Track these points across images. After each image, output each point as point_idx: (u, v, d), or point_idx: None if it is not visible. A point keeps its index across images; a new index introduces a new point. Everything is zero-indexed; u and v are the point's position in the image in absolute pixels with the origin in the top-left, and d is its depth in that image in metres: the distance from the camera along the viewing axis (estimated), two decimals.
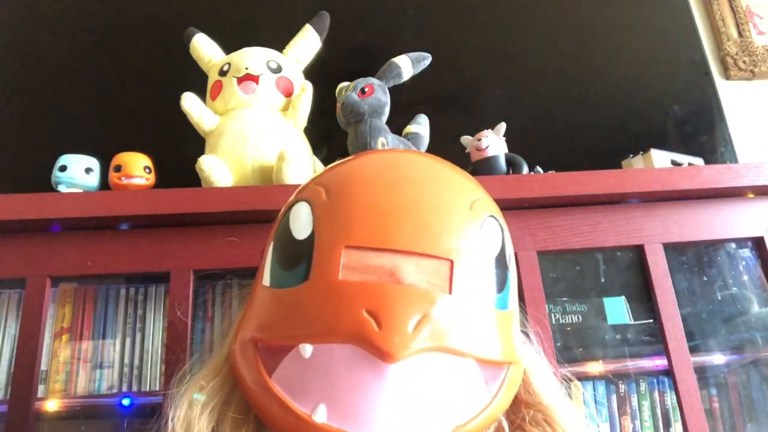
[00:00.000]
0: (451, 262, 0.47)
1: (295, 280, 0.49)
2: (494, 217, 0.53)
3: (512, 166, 1.06)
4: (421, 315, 0.44)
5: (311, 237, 0.50)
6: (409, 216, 0.48)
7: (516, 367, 0.53)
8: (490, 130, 1.09)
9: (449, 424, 0.48)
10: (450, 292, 0.46)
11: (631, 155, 1.18)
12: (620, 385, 1.10)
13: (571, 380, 0.67)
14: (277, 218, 0.57)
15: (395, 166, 0.54)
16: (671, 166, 1.13)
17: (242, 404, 0.53)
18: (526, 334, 0.62)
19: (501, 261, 0.52)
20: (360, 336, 0.43)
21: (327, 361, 0.47)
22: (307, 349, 0.47)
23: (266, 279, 0.53)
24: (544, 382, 0.58)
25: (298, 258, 0.50)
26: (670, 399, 1.08)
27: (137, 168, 0.99)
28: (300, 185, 0.59)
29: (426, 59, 1.10)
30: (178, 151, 1.07)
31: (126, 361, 1.02)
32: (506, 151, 1.09)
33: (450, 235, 0.48)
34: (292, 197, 0.57)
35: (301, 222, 0.51)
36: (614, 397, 1.09)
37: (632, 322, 1.13)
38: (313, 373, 0.47)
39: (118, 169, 0.98)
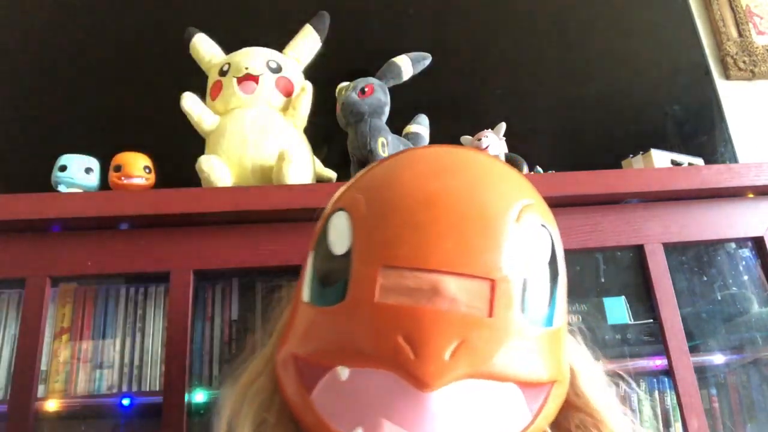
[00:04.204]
0: (493, 282, 0.45)
1: (333, 299, 0.48)
2: (544, 226, 0.51)
3: (512, 166, 1.05)
4: (458, 341, 0.43)
5: (349, 253, 0.48)
6: (451, 232, 0.45)
7: (560, 384, 0.51)
8: (490, 130, 1.09)
9: None
10: (490, 315, 0.44)
11: (631, 155, 1.18)
12: (620, 385, 1.10)
13: (622, 378, 0.65)
14: (317, 225, 0.55)
15: (439, 174, 0.50)
16: (671, 166, 1.13)
17: (284, 406, 0.53)
18: (574, 334, 0.60)
19: (549, 275, 0.49)
20: (396, 363, 0.43)
21: (364, 385, 0.46)
22: (344, 372, 0.47)
23: (305, 294, 0.52)
24: (593, 384, 0.57)
25: (335, 275, 0.49)
26: (670, 399, 1.08)
27: (137, 168, 0.99)
28: (339, 187, 0.56)
29: (426, 59, 1.10)
30: (178, 151, 1.06)
31: (126, 361, 1.02)
32: (506, 151, 1.09)
33: (493, 251, 0.46)
34: (331, 204, 0.55)
35: (340, 235, 0.50)
36: None
37: (632, 322, 1.13)
38: (350, 395, 0.47)
39: (118, 169, 0.98)
